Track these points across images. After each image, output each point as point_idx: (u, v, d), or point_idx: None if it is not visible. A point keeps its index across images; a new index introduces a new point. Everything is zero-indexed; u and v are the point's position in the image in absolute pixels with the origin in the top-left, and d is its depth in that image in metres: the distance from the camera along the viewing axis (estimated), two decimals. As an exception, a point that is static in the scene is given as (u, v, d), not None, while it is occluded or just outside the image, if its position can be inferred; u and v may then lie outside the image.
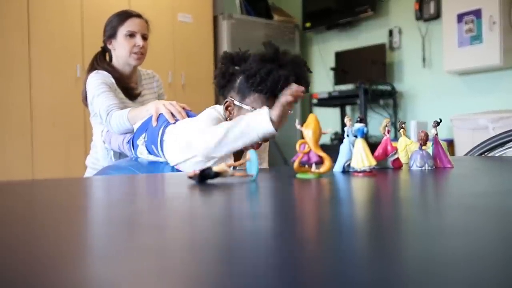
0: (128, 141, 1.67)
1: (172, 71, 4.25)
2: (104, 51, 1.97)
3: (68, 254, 0.33)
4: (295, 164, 0.85)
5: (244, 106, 1.35)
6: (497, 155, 1.62)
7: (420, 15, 4.11)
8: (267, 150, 1.57)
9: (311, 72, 1.39)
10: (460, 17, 3.67)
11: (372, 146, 0.92)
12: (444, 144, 1.05)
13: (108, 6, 3.46)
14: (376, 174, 0.86)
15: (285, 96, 1.25)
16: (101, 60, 1.94)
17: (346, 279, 0.26)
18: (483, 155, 1.64)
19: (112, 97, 1.76)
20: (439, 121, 1.04)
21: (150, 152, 1.53)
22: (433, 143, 1.04)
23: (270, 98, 1.32)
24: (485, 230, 0.40)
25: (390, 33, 4.42)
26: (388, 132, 1.03)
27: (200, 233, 0.40)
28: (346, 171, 0.91)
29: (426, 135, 1.01)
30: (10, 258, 0.31)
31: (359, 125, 0.88)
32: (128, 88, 1.91)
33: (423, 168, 0.98)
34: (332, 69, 4.76)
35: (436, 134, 1.04)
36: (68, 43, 3.70)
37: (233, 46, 4.38)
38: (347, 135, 0.92)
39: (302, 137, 0.86)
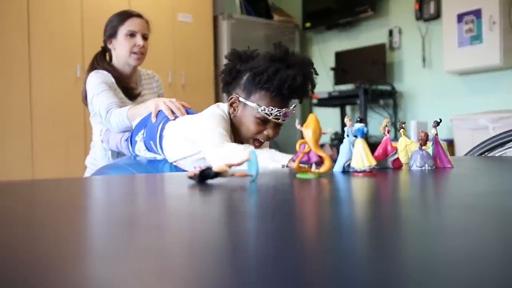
0: (126, 139, 1.68)
1: (172, 71, 4.25)
2: (104, 51, 1.97)
3: (68, 254, 0.33)
4: (295, 164, 0.85)
5: (249, 103, 1.35)
6: (497, 155, 1.62)
7: (420, 15, 4.12)
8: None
9: (317, 74, 1.39)
10: (460, 17, 3.67)
11: (372, 146, 0.92)
12: (444, 144, 1.05)
13: (108, 6, 3.47)
14: (376, 174, 0.86)
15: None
16: (101, 60, 1.94)
17: (346, 279, 0.26)
18: (483, 155, 1.64)
19: (112, 96, 1.76)
20: (439, 121, 1.04)
21: (148, 148, 1.53)
22: (433, 143, 1.04)
23: (276, 96, 1.33)
24: (485, 230, 0.40)
25: (390, 33, 4.42)
26: (388, 132, 1.02)
27: (200, 233, 0.40)
28: (346, 171, 0.91)
29: (426, 135, 1.01)
30: (10, 258, 0.31)
31: (359, 125, 0.88)
32: (128, 88, 1.91)
33: (423, 168, 0.98)
34: (332, 69, 4.76)
35: (436, 134, 1.04)
36: (68, 43, 3.70)
37: (233, 46, 4.33)
38: (347, 135, 0.92)
39: (302, 137, 0.86)
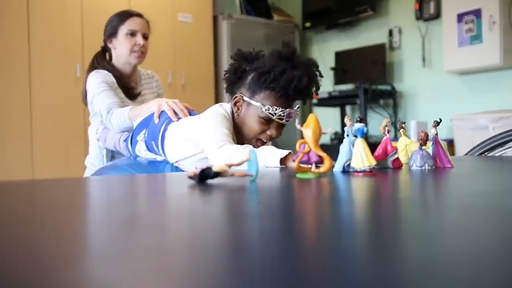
0: (125, 139, 1.67)
1: (172, 71, 4.25)
2: (104, 50, 1.97)
3: (68, 254, 0.33)
4: (295, 164, 0.85)
5: (254, 103, 1.35)
6: (497, 155, 1.62)
7: (420, 15, 4.12)
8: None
9: (322, 76, 1.40)
10: (460, 17, 3.67)
11: (372, 146, 0.92)
12: (444, 144, 1.05)
13: (108, 6, 3.47)
14: (376, 174, 0.86)
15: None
16: (101, 59, 1.94)
17: (346, 279, 0.26)
18: (483, 155, 1.64)
19: (113, 96, 1.76)
20: (439, 121, 1.04)
21: (149, 148, 1.53)
22: (433, 143, 1.04)
23: (281, 97, 1.33)
24: (485, 230, 0.40)
25: (390, 33, 4.42)
26: (388, 132, 1.02)
27: (200, 233, 0.40)
28: (346, 171, 0.91)
29: (426, 135, 1.01)
30: (10, 258, 0.31)
31: (359, 125, 0.88)
32: (128, 87, 1.91)
33: (423, 168, 0.98)
34: (332, 69, 4.76)
35: (436, 134, 1.04)
36: (68, 43, 3.70)
37: (233, 46, 4.38)
38: (347, 135, 0.92)
39: (302, 137, 0.86)
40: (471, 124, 3.43)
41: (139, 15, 1.95)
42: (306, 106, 4.69)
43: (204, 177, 0.73)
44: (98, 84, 1.79)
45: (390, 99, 4.33)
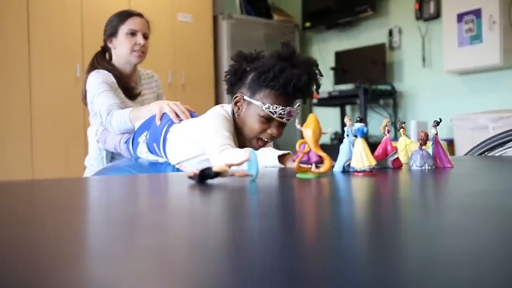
0: (126, 141, 1.67)
1: (172, 71, 4.25)
2: (104, 50, 1.97)
3: (68, 254, 0.33)
4: (295, 164, 0.85)
5: (254, 102, 1.35)
6: (497, 155, 1.62)
7: (420, 15, 4.12)
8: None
9: (322, 75, 1.40)
10: (460, 17, 3.67)
11: (372, 146, 0.92)
12: (444, 144, 1.05)
13: (108, 6, 3.47)
14: (376, 174, 0.86)
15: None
16: (101, 59, 1.94)
17: (346, 279, 0.26)
18: (483, 155, 1.64)
19: (113, 97, 1.76)
20: (439, 120, 1.04)
21: (150, 150, 1.53)
22: (433, 143, 1.04)
23: (280, 95, 1.33)
24: (485, 230, 0.40)
25: (390, 33, 4.42)
26: (388, 132, 1.02)
27: (200, 233, 0.40)
28: (346, 171, 0.91)
29: (426, 135, 1.01)
30: (10, 258, 0.31)
31: (359, 125, 0.88)
32: (128, 87, 1.91)
33: (423, 168, 0.98)
34: (332, 68, 4.76)
35: (436, 134, 1.04)
36: (68, 43, 3.70)
37: (233, 46, 4.38)
38: (347, 135, 0.92)
39: (302, 137, 0.86)
40: (471, 124, 3.43)
41: (139, 15, 1.95)
42: (306, 106, 4.70)
43: (204, 177, 0.73)
44: (99, 84, 1.79)
45: (390, 99, 4.33)
